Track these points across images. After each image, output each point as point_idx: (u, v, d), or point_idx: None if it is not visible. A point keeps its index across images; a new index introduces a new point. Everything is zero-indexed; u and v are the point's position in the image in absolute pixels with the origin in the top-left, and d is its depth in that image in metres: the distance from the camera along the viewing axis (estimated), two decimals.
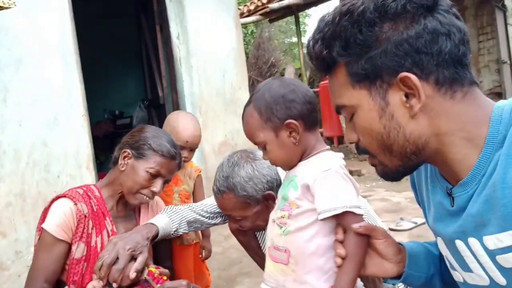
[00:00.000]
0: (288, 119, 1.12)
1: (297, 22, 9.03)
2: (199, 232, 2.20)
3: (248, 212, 1.41)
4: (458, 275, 0.92)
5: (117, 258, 1.35)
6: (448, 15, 0.79)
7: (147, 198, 1.57)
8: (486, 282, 0.84)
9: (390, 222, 4.18)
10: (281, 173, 1.38)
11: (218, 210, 1.60)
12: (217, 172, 1.44)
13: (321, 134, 8.44)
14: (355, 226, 0.99)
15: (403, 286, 1.41)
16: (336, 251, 1.02)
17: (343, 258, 1.00)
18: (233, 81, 5.13)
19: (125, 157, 1.57)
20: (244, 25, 9.64)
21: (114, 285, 1.34)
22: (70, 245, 1.50)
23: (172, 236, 1.60)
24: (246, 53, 10.34)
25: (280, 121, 1.13)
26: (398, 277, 1.04)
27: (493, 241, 0.78)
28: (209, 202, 1.67)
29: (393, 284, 1.37)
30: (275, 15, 8.90)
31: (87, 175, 3.54)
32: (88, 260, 1.50)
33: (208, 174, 3.53)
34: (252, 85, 6.93)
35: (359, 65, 0.82)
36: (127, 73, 6.55)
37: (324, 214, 1.04)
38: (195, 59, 4.79)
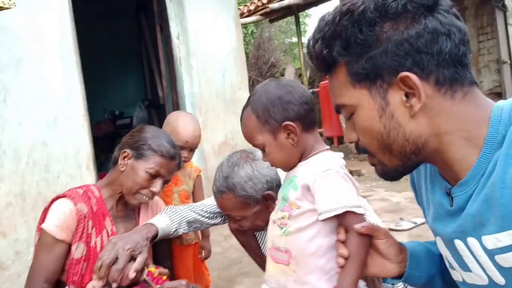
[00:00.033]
0: (286, 121, 1.12)
1: (297, 22, 9.04)
2: (199, 232, 2.20)
3: (248, 212, 1.41)
4: (457, 275, 0.92)
5: (117, 258, 1.35)
6: (448, 15, 0.79)
7: (147, 198, 1.57)
8: (485, 281, 0.84)
9: (389, 222, 4.18)
10: (281, 173, 1.39)
11: (217, 210, 1.60)
12: (216, 172, 1.45)
13: (321, 134, 8.45)
14: (358, 226, 0.99)
15: (402, 286, 1.41)
16: (338, 252, 1.02)
17: (346, 259, 1.00)
18: (233, 81, 5.13)
19: (124, 157, 1.57)
20: (244, 25, 9.64)
21: (114, 285, 1.34)
22: (70, 245, 1.50)
23: (171, 236, 1.60)
24: (246, 53, 10.34)
25: (277, 123, 1.13)
26: (399, 277, 1.04)
27: (492, 240, 0.78)
28: (209, 202, 1.67)
29: (392, 284, 1.37)
30: (275, 15, 8.90)
31: (87, 175, 3.54)
32: (87, 260, 1.50)
33: (208, 174, 3.53)
34: (252, 85, 6.93)
35: (359, 65, 0.82)
36: (127, 73, 6.55)
37: (325, 214, 1.04)
38: (195, 59, 4.79)
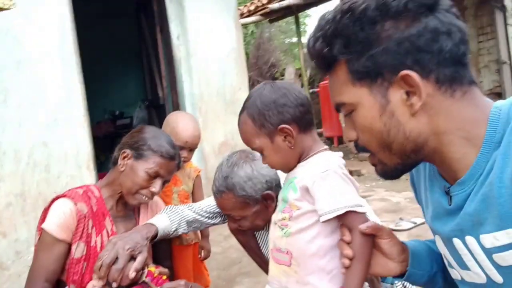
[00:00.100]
0: (281, 124, 1.12)
1: (297, 23, 9.03)
2: (198, 232, 2.20)
3: (247, 212, 1.42)
4: (455, 273, 0.93)
5: (117, 258, 1.35)
6: (448, 14, 0.80)
7: (146, 199, 1.57)
8: (483, 280, 0.84)
9: (389, 222, 4.18)
10: (280, 173, 1.39)
11: (217, 210, 1.60)
12: (216, 172, 1.45)
13: (321, 134, 8.46)
14: (362, 227, 1.00)
15: (401, 286, 1.41)
16: (343, 252, 1.02)
17: (350, 259, 1.00)
18: (233, 82, 5.13)
19: (124, 157, 1.57)
20: (245, 26, 9.64)
21: (114, 284, 1.34)
22: (70, 245, 1.51)
23: (171, 236, 1.60)
24: (247, 53, 10.34)
25: (273, 127, 1.13)
26: (400, 275, 1.04)
27: (490, 239, 0.79)
28: (209, 202, 1.67)
29: (392, 284, 1.37)
30: (275, 16, 8.90)
31: (87, 175, 3.55)
32: (88, 259, 1.50)
33: (208, 174, 3.53)
34: (253, 85, 6.93)
35: (360, 63, 0.82)
36: (127, 74, 6.55)
37: (326, 216, 1.04)
38: (195, 59, 4.79)
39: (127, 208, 1.66)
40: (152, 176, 1.55)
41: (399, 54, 0.79)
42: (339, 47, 0.83)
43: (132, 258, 1.38)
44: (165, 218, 1.57)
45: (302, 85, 8.85)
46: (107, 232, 1.56)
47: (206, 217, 1.66)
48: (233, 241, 1.74)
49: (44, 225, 1.50)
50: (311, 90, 9.38)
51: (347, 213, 1.03)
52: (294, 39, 12.54)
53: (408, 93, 0.80)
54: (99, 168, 4.00)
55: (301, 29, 9.50)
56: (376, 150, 0.88)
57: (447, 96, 0.80)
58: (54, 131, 3.40)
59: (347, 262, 1.00)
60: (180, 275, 1.91)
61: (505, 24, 7.17)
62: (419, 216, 4.00)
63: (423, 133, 0.82)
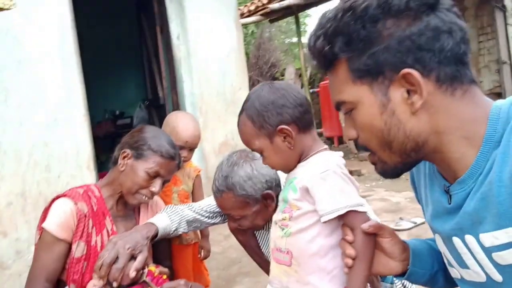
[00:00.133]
0: (280, 125, 1.12)
1: (298, 23, 9.03)
2: (198, 231, 2.20)
3: (247, 211, 1.42)
4: (455, 272, 0.93)
5: (117, 257, 1.35)
6: (449, 13, 0.80)
7: (146, 198, 1.58)
8: (483, 278, 0.85)
9: (389, 222, 4.18)
10: (281, 173, 1.39)
11: (217, 209, 1.60)
12: (216, 172, 1.45)
13: (321, 134, 8.46)
14: (365, 226, 1.00)
15: (400, 285, 1.42)
16: (345, 252, 1.02)
17: (353, 259, 1.00)
18: (233, 82, 5.14)
19: (124, 157, 1.58)
20: (245, 25, 9.64)
21: (114, 284, 1.34)
22: (70, 245, 1.51)
23: (171, 235, 1.61)
24: (247, 53, 10.34)
25: (272, 128, 1.13)
26: (401, 274, 1.04)
27: (489, 238, 0.79)
28: (209, 202, 1.67)
29: (391, 284, 1.38)
30: (275, 16, 8.89)
31: (88, 175, 3.55)
32: (88, 259, 1.51)
33: (209, 174, 3.54)
34: (253, 85, 6.93)
35: (361, 61, 0.82)
36: (128, 74, 6.56)
37: (328, 216, 1.04)
38: (195, 59, 4.79)
39: (127, 208, 1.66)
40: (152, 176, 1.55)
41: (400, 53, 0.79)
42: (340, 45, 0.83)
43: (133, 257, 1.38)
44: (165, 218, 1.57)
45: (302, 85, 8.85)
46: (107, 231, 1.56)
47: (206, 217, 1.66)
48: (233, 240, 1.74)
49: (44, 225, 1.50)
50: (311, 90, 9.37)
51: (348, 212, 1.03)
52: (294, 39, 12.54)
53: (409, 92, 0.80)
54: (100, 168, 4.01)
55: (301, 29, 9.50)
56: (376, 148, 0.88)
57: (448, 95, 0.80)
58: (55, 131, 3.41)
59: (350, 261, 1.00)
60: (180, 275, 1.91)
61: (505, 24, 7.18)
62: (419, 216, 4.01)
63: (423, 131, 0.82)
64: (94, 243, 1.53)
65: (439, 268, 1.04)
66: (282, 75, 11.58)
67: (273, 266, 1.19)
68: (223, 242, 3.94)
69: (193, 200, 2.20)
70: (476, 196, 0.80)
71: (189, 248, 2.19)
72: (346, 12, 0.82)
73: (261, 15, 8.52)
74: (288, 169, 1.19)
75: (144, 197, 1.57)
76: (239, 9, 6.66)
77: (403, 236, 1.10)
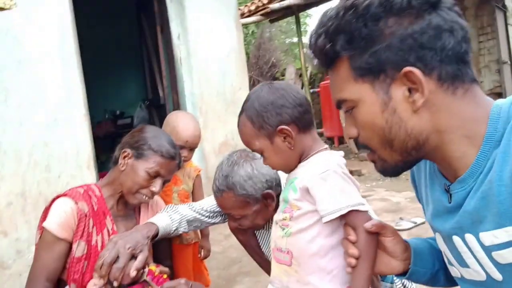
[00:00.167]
0: (280, 125, 1.12)
1: (298, 22, 9.03)
2: (198, 231, 2.20)
3: (247, 211, 1.42)
4: (455, 271, 0.93)
5: (118, 256, 1.35)
6: (451, 12, 0.80)
7: (147, 198, 1.58)
8: (483, 277, 0.85)
9: (389, 222, 4.18)
10: (281, 172, 1.39)
11: (217, 209, 1.61)
12: (216, 171, 1.45)
13: (322, 134, 8.45)
14: (368, 225, 1.00)
15: (400, 285, 1.42)
16: (348, 252, 1.01)
17: (356, 258, 1.00)
18: (233, 82, 5.14)
19: (125, 156, 1.58)
20: (245, 25, 9.64)
21: (115, 283, 1.34)
22: (70, 244, 1.51)
23: (172, 235, 1.61)
24: (247, 53, 10.35)
25: (272, 128, 1.13)
26: (402, 274, 1.04)
27: (489, 237, 0.79)
28: (209, 201, 1.68)
29: (391, 283, 1.38)
30: (275, 15, 8.89)
31: (88, 175, 3.55)
32: (88, 258, 1.51)
33: (209, 174, 3.54)
34: (253, 85, 6.93)
35: (363, 59, 0.82)
36: (128, 74, 6.56)
37: (330, 216, 1.04)
38: (195, 59, 4.80)
39: (128, 208, 1.66)
40: (153, 176, 1.55)
41: (402, 51, 0.79)
42: (341, 43, 0.83)
43: (133, 257, 1.38)
44: (166, 217, 1.57)
45: (303, 85, 8.85)
46: (108, 231, 1.56)
47: (206, 216, 1.66)
48: (234, 240, 1.74)
49: (45, 224, 1.50)
50: (311, 90, 9.37)
51: (350, 212, 1.03)
52: (295, 39, 12.54)
53: (410, 90, 0.80)
54: (100, 168, 4.01)
55: (301, 29, 9.49)
56: (377, 147, 0.88)
57: (449, 93, 0.80)
58: (55, 131, 3.41)
59: (353, 261, 1.00)
60: (180, 274, 1.91)
61: (506, 24, 7.18)
62: (419, 216, 4.01)
63: (424, 130, 0.82)
64: (94, 242, 1.53)
65: (440, 267, 1.04)
66: (283, 75, 11.58)
67: (273, 265, 1.19)
68: (223, 241, 3.94)
69: (193, 200, 2.20)
70: (476, 195, 0.80)
71: (189, 248, 2.19)
72: (348, 10, 0.82)
73: (262, 15, 8.52)
74: (288, 169, 1.19)
75: (144, 196, 1.57)
76: (239, 9, 6.66)
77: (404, 236, 1.10)
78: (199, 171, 2.29)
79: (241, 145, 1.28)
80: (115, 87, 6.52)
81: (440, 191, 0.90)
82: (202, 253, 2.29)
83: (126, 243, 1.38)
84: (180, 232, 1.63)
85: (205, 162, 4.52)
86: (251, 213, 1.42)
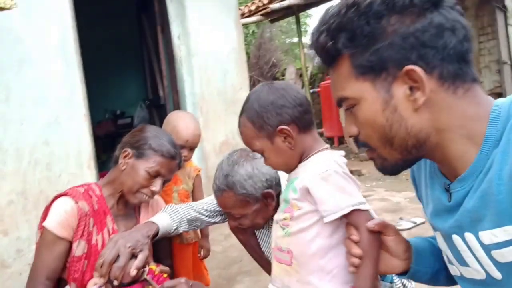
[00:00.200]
0: (280, 125, 1.12)
1: (298, 23, 9.03)
2: (198, 231, 2.21)
3: (248, 210, 1.42)
4: (455, 269, 0.93)
5: (118, 256, 1.36)
6: (452, 11, 0.80)
7: (147, 198, 1.58)
8: (483, 276, 0.85)
9: (389, 222, 4.18)
10: (281, 172, 1.40)
11: (218, 208, 1.61)
12: (217, 171, 1.46)
13: (322, 134, 8.46)
14: (370, 224, 1.00)
15: (400, 284, 1.42)
16: (351, 251, 1.01)
17: (359, 258, 1.00)
18: (234, 81, 5.14)
19: (125, 156, 1.58)
20: (245, 25, 9.64)
21: (115, 282, 1.34)
22: (71, 243, 1.51)
23: (172, 234, 1.61)
24: (248, 53, 10.34)
25: (272, 128, 1.13)
26: (403, 273, 1.05)
27: (489, 236, 0.79)
28: (209, 201, 1.68)
29: (391, 283, 1.38)
30: (276, 16, 8.89)
31: (88, 174, 3.55)
32: (88, 257, 1.51)
33: (209, 173, 3.54)
34: (253, 85, 6.94)
35: (364, 57, 0.82)
36: (128, 73, 6.56)
37: (331, 216, 1.04)
38: (196, 59, 4.80)
39: (128, 207, 1.67)
40: (153, 175, 1.55)
41: (404, 49, 0.79)
42: (343, 41, 0.83)
43: (133, 256, 1.38)
44: (166, 217, 1.58)
45: (303, 85, 8.85)
46: (108, 230, 1.57)
47: (206, 216, 1.67)
48: (234, 240, 1.74)
49: (45, 223, 1.51)
50: (312, 90, 9.37)
51: (352, 211, 1.03)
52: (295, 39, 12.53)
53: (411, 88, 0.80)
54: (100, 168, 4.01)
55: (302, 29, 9.49)
56: (377, 145, 0.88)
57: (450, 92, 0.80)
58: (56, 130, 3.41)
59: (356, 261, 1.00)
60: (180, 274, 1.92)
61: (506, 25, 7.18)
62: (419, 216, 4.01)
63: (425, 128, 0.82)
64: (94, 241, 1.53)
65: (441, 267, 1.04)
66: (283, 75, 11.57)
67: (274, 265, 1.20)
68: (223, 241, 3.94)
69: (193, 200, 2.20)
70: (476, 194, 0.80)
71: (189, 247, 2.20)
72: (350, 8, 0.82)
73: (262, 15, 8.52)
74: (289, 169, 1.19)
75: (144, 196, 1.57)
76: (239, 9, 6.67)
77: (404, 236, 1.10)
78: (199, 170, 2.29)
79: (241, 145, 1.28)
80: (115, 87, 6.51)
81: (440, 190, 0.90)
82: (202, 253, 2.30)
83: (126, 242, 1.38)
84: (180, 232, 1.64)
85: (205, 162, 4.52)
86: (251, 212, 1.42)
